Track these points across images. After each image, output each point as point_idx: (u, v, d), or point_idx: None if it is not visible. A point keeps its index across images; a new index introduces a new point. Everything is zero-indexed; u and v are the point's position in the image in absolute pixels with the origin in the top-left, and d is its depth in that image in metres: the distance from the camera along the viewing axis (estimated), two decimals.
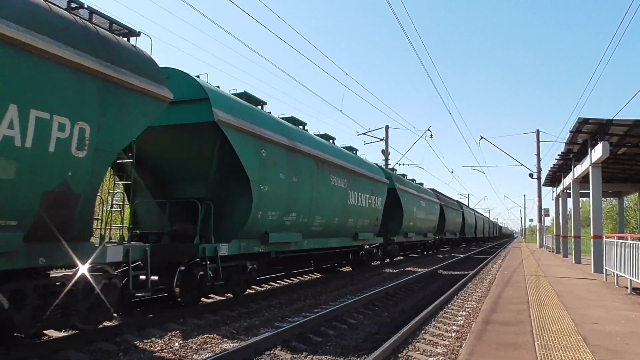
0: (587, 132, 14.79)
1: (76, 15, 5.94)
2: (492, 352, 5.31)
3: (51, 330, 6.79)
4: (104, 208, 7.05)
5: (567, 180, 21.98)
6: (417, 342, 6.79)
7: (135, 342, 6.49)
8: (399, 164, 40.22)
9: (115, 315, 7.29)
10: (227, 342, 6.71)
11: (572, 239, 21.23)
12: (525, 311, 7.91)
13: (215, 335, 7.03)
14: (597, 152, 14.18)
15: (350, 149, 16.86)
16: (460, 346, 6.40)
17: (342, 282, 13.62)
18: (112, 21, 6.58)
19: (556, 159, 21.20)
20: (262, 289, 11.87)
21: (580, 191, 20.76)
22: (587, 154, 15.62)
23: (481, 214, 68.17)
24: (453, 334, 7.36)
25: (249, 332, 7.40)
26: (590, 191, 15.56)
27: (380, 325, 8.17)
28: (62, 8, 5.84)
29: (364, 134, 33.86)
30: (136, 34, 6.90)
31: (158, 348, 6.31)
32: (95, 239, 6.68)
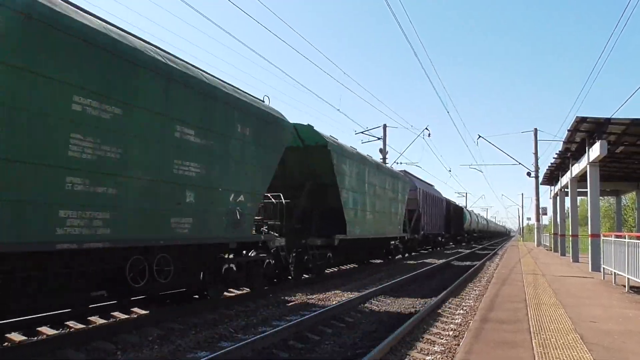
0: (585, 130, 14.81)
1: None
2: (489, 350, 5.31)
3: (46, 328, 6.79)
4: None
5: (565, 179, 22.01)
6: (415, 340, 6.79)
7: (133, 341, 6.48)
8: (397, 163, 39.45)
9: None
10: (225, 341, 6.71)
11: (570, 238, 21.27)
12: (523, 309, 7.92)
13: (213, 333, 7.02)
14: (595, 150, 14.21)
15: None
16: (458, 344, 6.40)
17: None
18: None
19: (554, 158, 21.25)
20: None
21: (578, 190, 20.80)
22: (585, 152, 15.65)
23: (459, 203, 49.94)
24: (450, 332, 7.37)
25: (247, 330, 7.39)
26: (588, 190, 15.59)
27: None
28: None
29: (362, 132, 33.96)
30: None
31: (155, 347, 6.30)
32: None
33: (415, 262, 21.92)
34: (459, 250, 35.13)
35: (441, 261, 21.20)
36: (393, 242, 20.67)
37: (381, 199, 17.72)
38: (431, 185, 33.98)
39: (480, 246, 45.09)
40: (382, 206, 17.88)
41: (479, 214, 70.91)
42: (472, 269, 17.41)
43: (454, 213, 40.76)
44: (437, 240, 33.54)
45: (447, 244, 39.04)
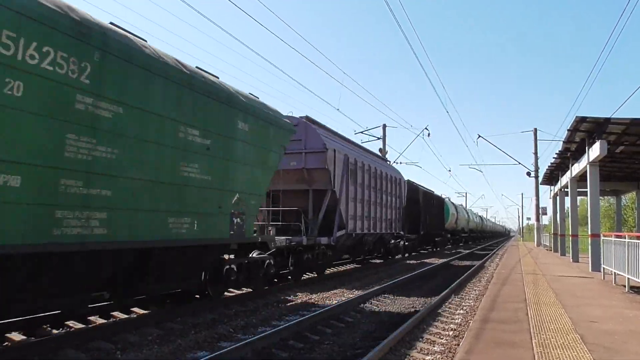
0: (585, 130, 14.82)
1: None
2: (489, 350, 5.31)
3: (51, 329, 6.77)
4: None
5: (565, 179, 22.01)
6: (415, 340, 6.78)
7: (133, 341, 6.48)
8: (397, 163, 38.63)
9: None
10: (224, 341, 6.71)
11: (570, 238, 21.28)
12: (523, 309, 7.92)
13: (212, 333, 7.02)
14: (595, 150, 14.21)
15: None
16: (458, 344, 6.40)
17: None
18: None
19: (554, 158, 21.26)
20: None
21: (578, 190, 20.82)
22: (585, 152, 15.65)
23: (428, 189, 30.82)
24: (451, 332, 7.36)
25: (247, 330, 7.39)
26: (588, 190, 15.60)
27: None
28: None
29: (362, 132, 33.89)
30: None
31: (155, 346, 6.29)
32: None
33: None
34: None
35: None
36: (227, 260, 9.13)
37: (143, 146, 6.66)
38: (380, 159, 21.92)
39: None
40: (153, 164, 6.84)
41: (470, 210, 59.00)
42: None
43: (428, 205, 28.47)
44: (393, 245, 21.17)
45: (416, 248, 27.12)
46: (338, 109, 64.41)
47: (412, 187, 25.78)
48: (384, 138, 34.06)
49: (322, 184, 13.82)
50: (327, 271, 15.47)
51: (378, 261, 20.71)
